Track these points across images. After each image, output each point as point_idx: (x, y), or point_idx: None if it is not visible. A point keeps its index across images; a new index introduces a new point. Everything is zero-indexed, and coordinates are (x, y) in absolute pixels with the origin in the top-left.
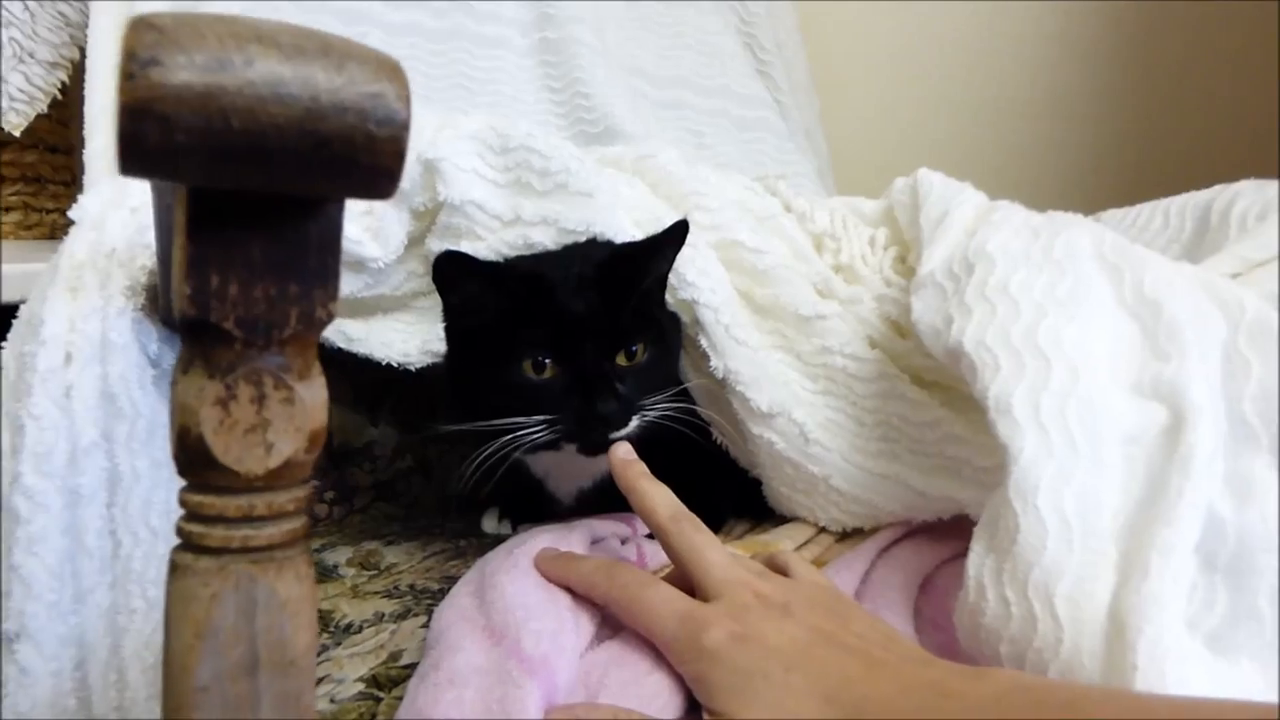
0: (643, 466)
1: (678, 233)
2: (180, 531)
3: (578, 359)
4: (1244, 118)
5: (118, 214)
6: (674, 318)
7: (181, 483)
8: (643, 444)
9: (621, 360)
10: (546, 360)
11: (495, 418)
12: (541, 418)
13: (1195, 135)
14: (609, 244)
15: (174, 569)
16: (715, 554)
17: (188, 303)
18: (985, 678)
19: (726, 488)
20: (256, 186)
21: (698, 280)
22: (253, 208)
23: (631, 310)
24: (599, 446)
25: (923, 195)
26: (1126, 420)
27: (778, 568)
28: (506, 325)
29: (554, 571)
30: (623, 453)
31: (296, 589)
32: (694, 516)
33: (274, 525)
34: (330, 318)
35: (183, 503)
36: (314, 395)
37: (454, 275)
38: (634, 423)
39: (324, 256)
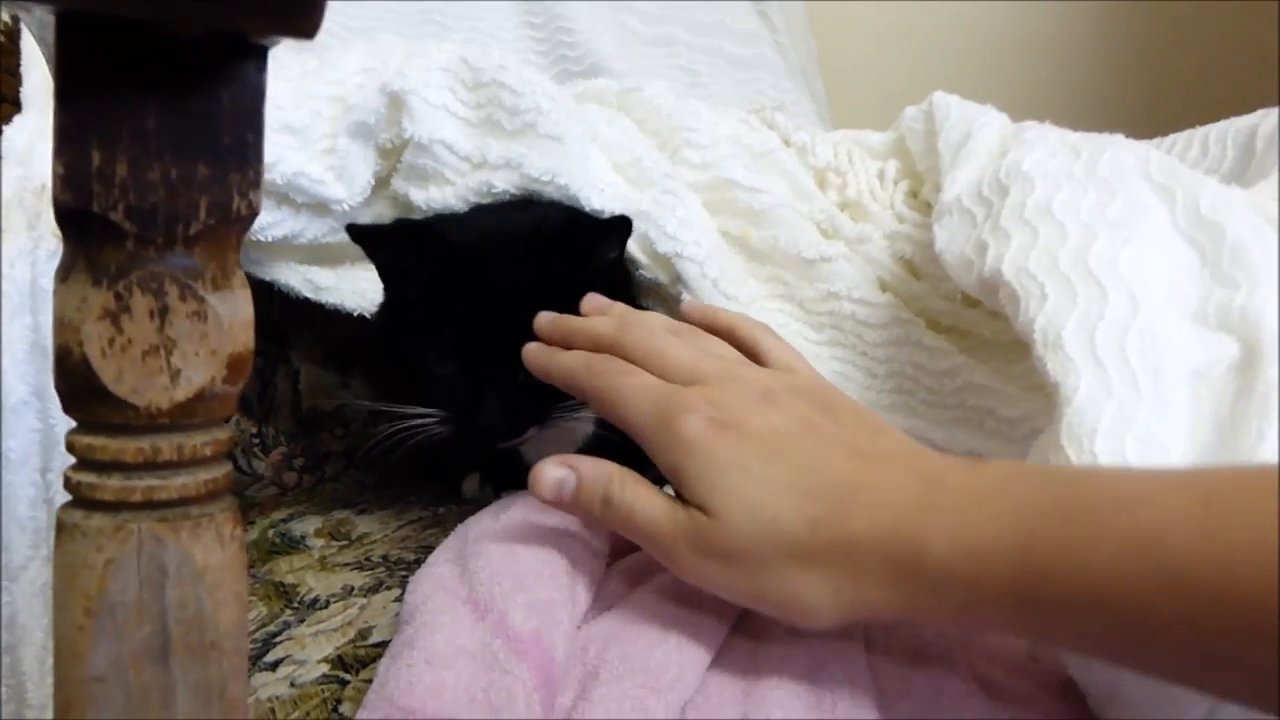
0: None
1: (618, 232)
2: (68, 483)
3: (480, 348)
4: (1254, 53)
5: (47, 146)
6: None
7: (73, 424)
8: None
9: None
10: (449, 345)
11: (398, 400)
12: (435, 410)
13: (1207, 67)
14: (555, 206)
15: (61, 530)
16: (677, 351)
17: (61, 186)
18: (982, 467)
19: None
20: (130, 9)
21: (679, 233)
22: (144, 61)
23: (558, 297)
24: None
25: (939, 119)
26: (1192, 354)
27: (746, 342)
28: (413, 299)
29: (537, 363)
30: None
31: (218, 554)
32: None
33: (186, 474)
34: (253, 211)
35: (70, 447)
36: (233, 310)
37: (368, 248)
38: (531, 432)
39: (241, 131)
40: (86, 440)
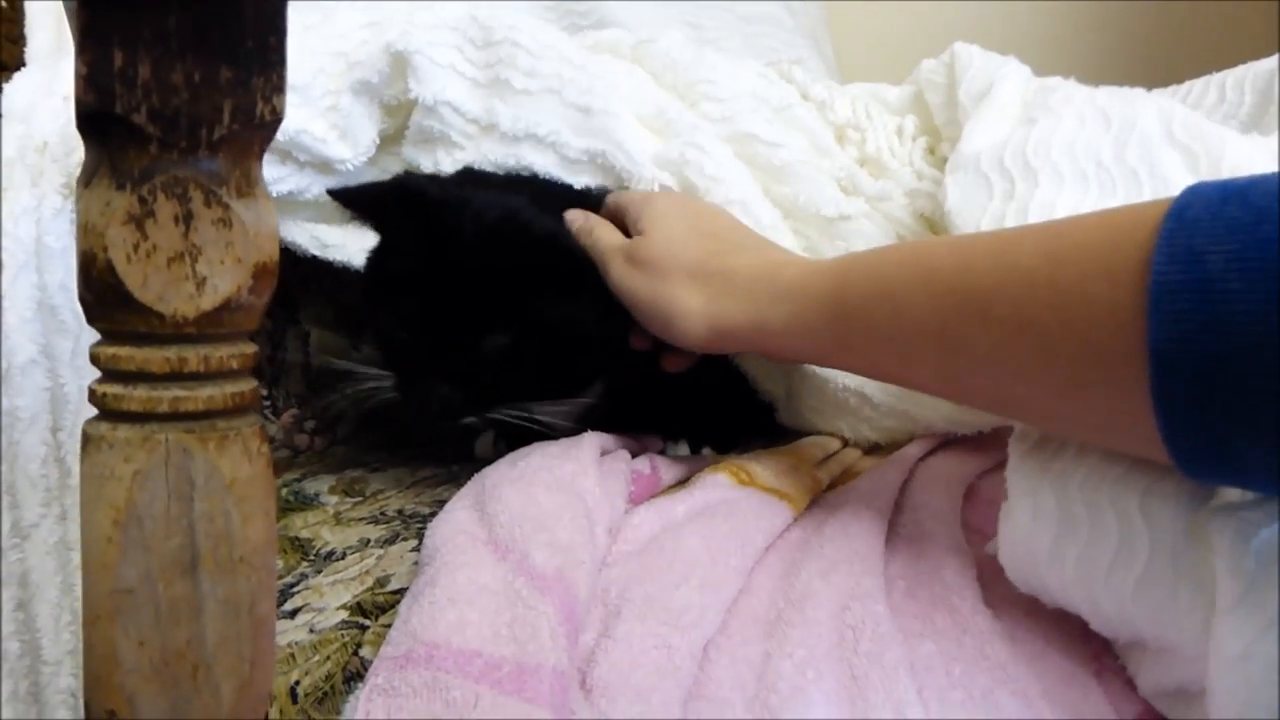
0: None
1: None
2: (93, 396)
3: (440, 323)
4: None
5: (48, 104)
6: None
7: (95, 337)
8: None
9: (502, 339)
10: (413, 312)
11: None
12: (388, 373)
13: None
14: (552, 185)
15: (87, 443)
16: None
17: (84, 86)
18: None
19: (738, 408)
20: None
21: (711, 185)
22: None
23: (534, 288)
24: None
25: (960, 70)
26: None
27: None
28: (392, 259)
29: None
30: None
31: (246, 468)
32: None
33: (213, 385)
34: (277, 117)
35: (94, 358)
36: (258, 218)
37: (352, 209)
38: (473, 420)
39: (263, 34)
40: (112, 351)
